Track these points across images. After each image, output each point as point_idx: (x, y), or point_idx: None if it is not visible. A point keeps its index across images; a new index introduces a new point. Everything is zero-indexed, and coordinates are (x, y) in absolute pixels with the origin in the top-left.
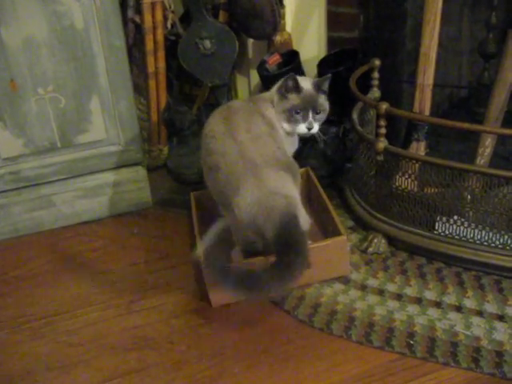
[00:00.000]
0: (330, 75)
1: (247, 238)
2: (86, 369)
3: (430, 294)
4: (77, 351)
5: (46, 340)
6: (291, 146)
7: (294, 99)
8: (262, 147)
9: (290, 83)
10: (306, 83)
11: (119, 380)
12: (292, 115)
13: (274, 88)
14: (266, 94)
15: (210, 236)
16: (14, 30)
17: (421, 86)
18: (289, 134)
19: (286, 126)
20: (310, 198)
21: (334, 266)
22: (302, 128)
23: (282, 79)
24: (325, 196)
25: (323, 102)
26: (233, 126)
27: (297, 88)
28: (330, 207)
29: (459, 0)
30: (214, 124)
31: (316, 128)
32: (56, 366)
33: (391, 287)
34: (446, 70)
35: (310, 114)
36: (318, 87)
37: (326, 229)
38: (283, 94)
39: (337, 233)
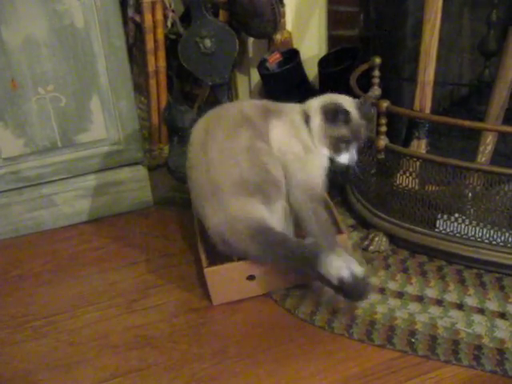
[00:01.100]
0: (370, 102)
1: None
2: (87, 368)
3: (431, 292)
4: (78, 350)
5: (47, 339)
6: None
7: (342, 129)
8: (230, 167)
9: (342, 117)
10: (352, 109)
11: (120, 379)
12: (337, 144)
13: (315, 106)
14: (290, 107)
15: None
16: (14, 29)
17: (421, 83)
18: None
19: (325, 151)
20: None
21: None
22: (343, 158)
23: (330, 105)
24: (325, 194)
25: (366, 131)
26: (210, 137)
27: (347, 119)
28: (331, 205)
29: None
30: (196, 130)
31: (355, 159)
32: (57, 365)
33: (392, 285)
34: (446, 67)
35: (355, 146)
36: (362, 114)
37: None
38: (332, 121)
39: (337, 231)
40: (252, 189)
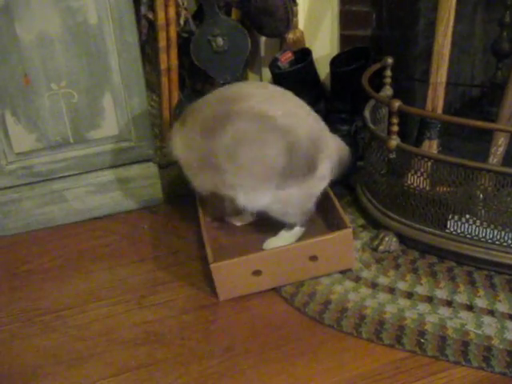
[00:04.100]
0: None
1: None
2: (95, 363)
3: (441, 293)
4: (87, 345)
5: (57, 334)
6: None
7: None
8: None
9: None
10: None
11: (129, 374)
12: None
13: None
14: None
15: None
16: (28, 26)
17: (434, 84)
18: None
19: None
20: None
21: (340, 259)
22: None
23: None
24: (329, 189)
25: None
26: (275, 92)
27: None
28: (334, 200)
29: None
30: (255, 91)
31: None
32: (66, 360)
33: (402, 285)
34: (458, 68)
35: None
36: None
37: (331, 222)
38: None
39: (342, 226)
40: None
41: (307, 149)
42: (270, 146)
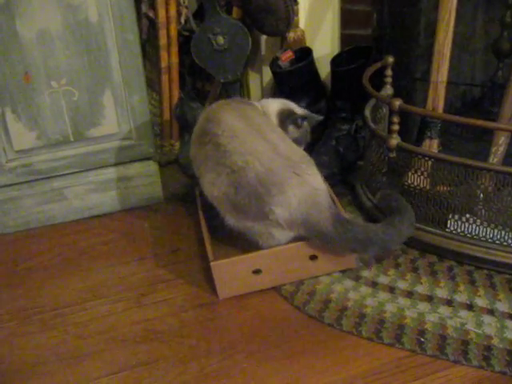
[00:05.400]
0: (321, 118)
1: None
2: (95, 361)
3: (441, 292)
4: (86, 343)
5: (56, 332)
6: None
7: (294, 133)
8: (289, 145)
9: (296, 122)
10: (301, 113)
11: (128, 372)
12: None
13: (271, 109)
14: (255, 104)
15: None
16: (28, 23)
17: (434, 83)
18: None
19: None
20: None
21: (340, 258)
22: None
23: (286, 111)
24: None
25: (309, 135)
26: (255, 124)
27: (299, 125)
28: (334, 199)
29: None
30: (231, 123)
31: None
32: (65, 358)
33: (402, 284)
34: (459, 68)
35: (302, 146)
36: (308, 120)
37: None
38: (284, 124)
39: None
40: (312, 162)
41: (254, 191)
42: (221, 177)
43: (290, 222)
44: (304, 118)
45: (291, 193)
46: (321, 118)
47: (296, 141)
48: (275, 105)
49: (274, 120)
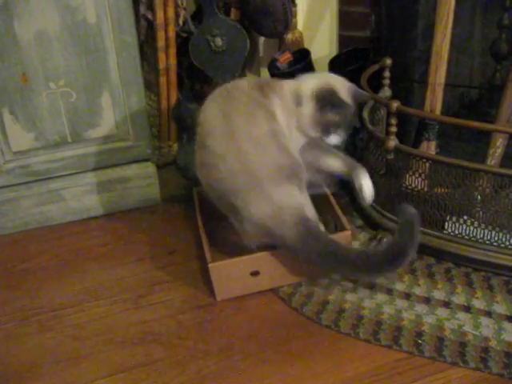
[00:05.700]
0: (369, 95)
1: (260, 243)
2: (92, 362)
3: (438, 294)
4: (83, 345)
5: (53, 333)
6: (299, 141)
7: (333, 115)
8: (263, 154)
9: (336, 104)
10: (344, 93)
11: (125, 374)
12: (327, 127)
13: (308, 89)
14: (282, 85)
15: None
16: (26, 24)
17: (432, 85)
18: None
19: (313, 132)
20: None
21: None
22: (332, 139)
23: (325, 92)
24: (329, 193)
25: (356, 116)
26: (233, 123)
27: (340, 106)
28: (333, 202)
29: (471, 0)
30: (212, 117)
31: (343, 139)
32: (62, 359)
33: (399, 286)
34: (457, 70)
35: (344, 129)
36: (354, 98)
37: (329, 224)
38: (325, 108)
39: (341, 227)
40: (287, 174)
41: (222, 190)
42: (203, 169)
43: (254, 232)
44: (342, 105)
45: (251, 207)
46: (368, 95)
47: (336, 125)
48: (313, 82)
49: (310, 105)
